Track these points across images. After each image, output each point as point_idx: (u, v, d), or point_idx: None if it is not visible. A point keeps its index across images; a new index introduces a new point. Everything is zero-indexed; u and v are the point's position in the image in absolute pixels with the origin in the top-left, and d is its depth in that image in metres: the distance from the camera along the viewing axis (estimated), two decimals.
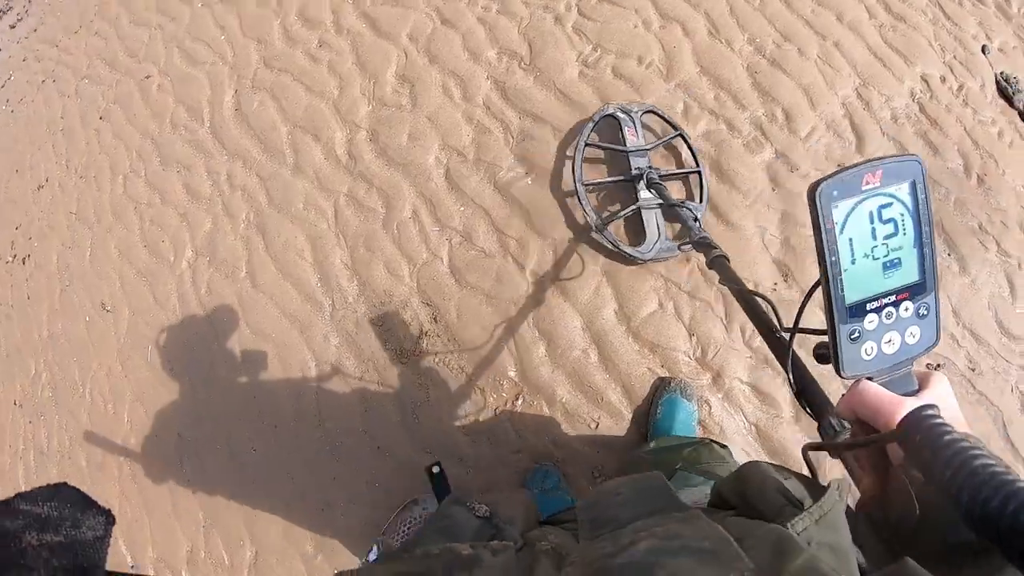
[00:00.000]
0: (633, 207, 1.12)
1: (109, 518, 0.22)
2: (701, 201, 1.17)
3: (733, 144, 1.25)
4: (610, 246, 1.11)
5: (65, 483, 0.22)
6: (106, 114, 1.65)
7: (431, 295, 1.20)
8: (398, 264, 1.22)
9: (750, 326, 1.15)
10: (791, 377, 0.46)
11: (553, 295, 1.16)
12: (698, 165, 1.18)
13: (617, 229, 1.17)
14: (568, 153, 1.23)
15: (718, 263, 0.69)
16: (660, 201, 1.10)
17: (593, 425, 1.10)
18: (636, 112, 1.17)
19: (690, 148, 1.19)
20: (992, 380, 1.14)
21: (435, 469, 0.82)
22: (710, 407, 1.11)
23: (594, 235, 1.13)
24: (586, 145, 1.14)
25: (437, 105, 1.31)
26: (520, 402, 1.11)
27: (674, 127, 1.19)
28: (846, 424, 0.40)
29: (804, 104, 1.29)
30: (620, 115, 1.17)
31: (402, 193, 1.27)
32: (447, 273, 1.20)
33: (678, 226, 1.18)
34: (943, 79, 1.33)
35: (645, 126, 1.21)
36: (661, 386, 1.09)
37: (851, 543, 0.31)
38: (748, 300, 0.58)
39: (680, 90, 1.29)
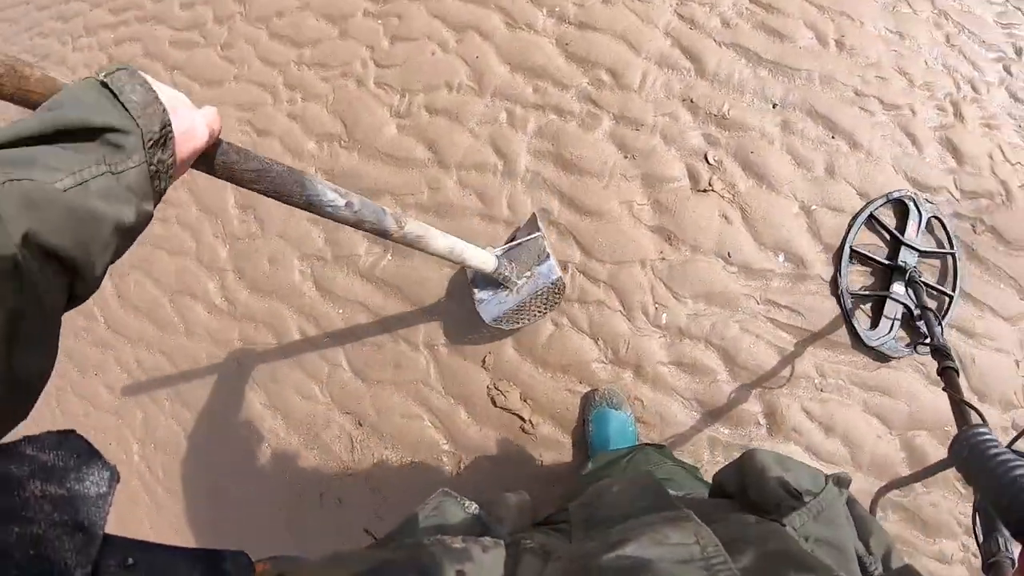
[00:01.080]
0: (883, 294, 1.08)
1: (114, 474, 0.22)
2: (943, 319, 1.10)
3: (568, 129, 1.18)
4: (844, 315, 1.08)
5: (73, 431, 0.22)
6: None
7: (347, 403, 1.19)
8: (308, 386, 1.22)
9: (651, 306, 1.10)
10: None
11: (452, 357, 1.14)
12: (954, 290, 1.11)
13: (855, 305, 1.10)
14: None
15: (948, 375, 0.69)
16: (910, 303, 1.07)
17: (538, 463, 1.08)
18: (926, 212, 1.11)
19: (955, 271, 1.11)
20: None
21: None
22: (642, 402, 1.07)
23: (842, 296, 1.09)
24: (870, 218, 1.10)
25: (282, 219, 1.29)
26: (463, 467, 1.10)
27: (951, 243, 1.12)
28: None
29: (626, 53, 1.21)
30: (911, 205, 1.11)
31: (284, 318, 1.26)
32: (352, 377, 1.19)
33: (901, 333, 1.10)
34: None
35: (928, 227, 1.13)
36: (586, 403, 1.06)
37: (851, 537, 0.30)
38: (966, 416, 0.55)
39: (497, 99, 1.23)
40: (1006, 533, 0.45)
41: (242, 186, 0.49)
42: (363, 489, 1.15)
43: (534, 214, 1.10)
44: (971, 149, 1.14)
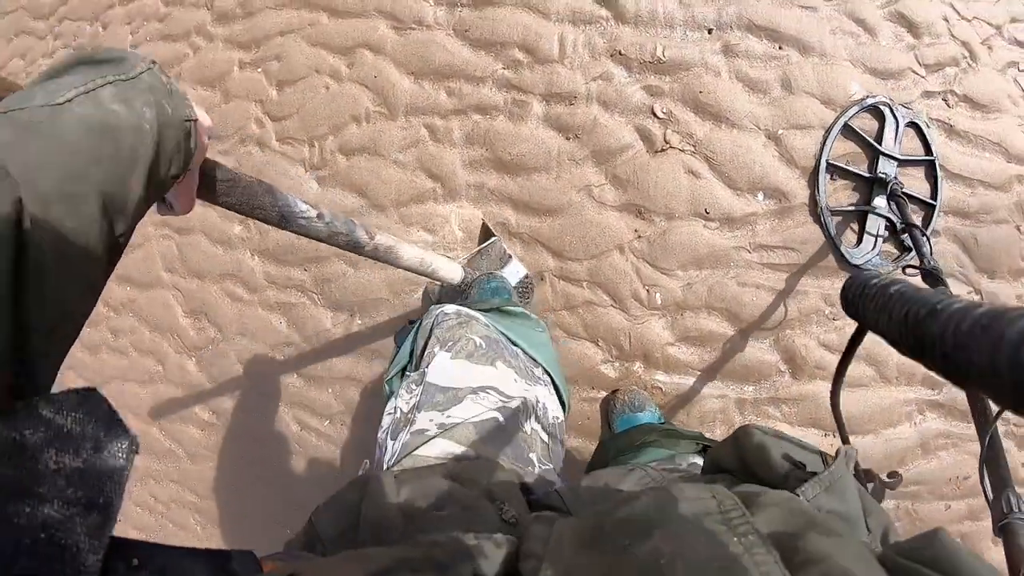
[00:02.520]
0: (864, 208, 1.00)
1: (132, 444, 0.20)
2: (928, 228, 1.02)
3: (497, 127, 1.05)
4: (826, 234, 1.01)
5: (95, 389, 0.20)
6: None
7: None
8: (316, 474, 1.16)
9: (642, 289, 1.01)
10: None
11: None
12: (935, 198, 1.02)
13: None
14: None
15: None
16: (893, 216, 1.00)
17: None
18: (902, 117, 1.01)
19: (935, 179, 1.02)
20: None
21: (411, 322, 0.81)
22: (661, 389, 1.01)
23: (822, 215, 1.02)
24: (846, 126, 1.00)
25: (235, 316, 1.18)
26: None
27: (929, 150, 1.02)
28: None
29: (534, 22, 1.05)
30: (887, 112, 1.01)
31: (277, 416, 1.18)
32: (360, 438, 1.13)
33: (888, 245, 1.03)
34: None
35: (903, 135, 1.03)
36: (608, 410, 1.00)
37: (860, 513, 0.29)
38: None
39: (412, 116, 1.08)
40: (1018, 492, 0.42)
41: (212, 202, 0.45)
42: None
43: (483, 223, 1.02)
44: (924, 16, 1.02)
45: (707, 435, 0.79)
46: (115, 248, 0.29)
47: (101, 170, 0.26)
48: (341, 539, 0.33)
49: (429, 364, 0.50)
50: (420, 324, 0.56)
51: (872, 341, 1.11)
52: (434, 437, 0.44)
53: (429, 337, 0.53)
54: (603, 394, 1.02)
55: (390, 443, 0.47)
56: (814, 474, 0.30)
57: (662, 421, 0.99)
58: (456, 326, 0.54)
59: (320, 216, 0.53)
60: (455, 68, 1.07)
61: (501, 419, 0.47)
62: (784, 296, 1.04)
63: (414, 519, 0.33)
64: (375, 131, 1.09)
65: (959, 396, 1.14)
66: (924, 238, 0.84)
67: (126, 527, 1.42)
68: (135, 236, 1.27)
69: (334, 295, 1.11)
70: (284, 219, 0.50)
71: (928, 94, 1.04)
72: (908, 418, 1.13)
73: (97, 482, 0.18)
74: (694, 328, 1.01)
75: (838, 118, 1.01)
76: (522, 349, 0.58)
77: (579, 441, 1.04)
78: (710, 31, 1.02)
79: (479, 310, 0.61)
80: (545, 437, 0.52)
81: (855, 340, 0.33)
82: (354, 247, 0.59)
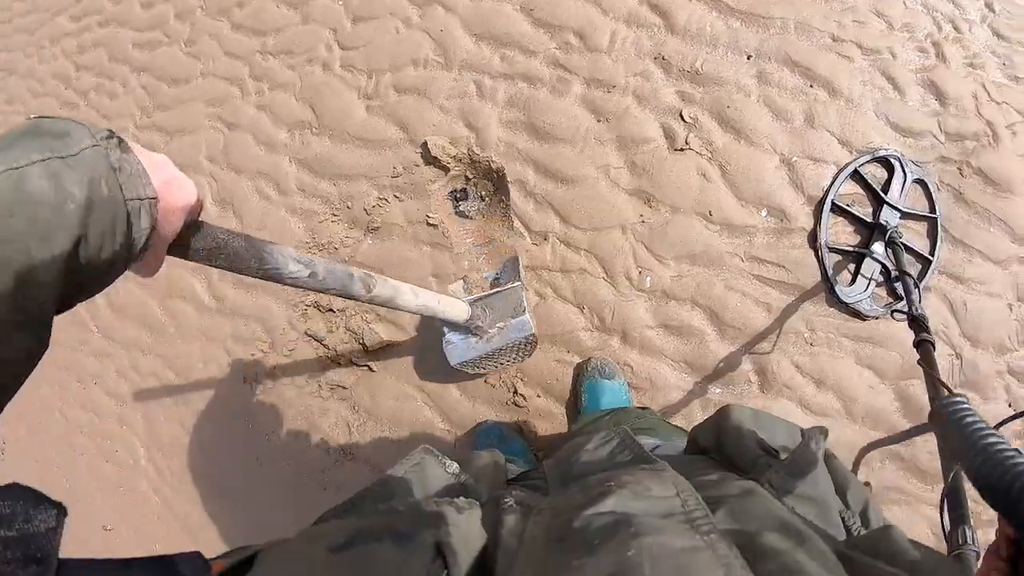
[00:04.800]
0: (862, 251, 1.02)
1: (61, 510, 0.22)
2: (921, 283, 1.05)
3: (539, 97, 1.11)
4: (822, 270, 1.04)
5: (16, 483, 0.22)
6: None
7: (340, 391, 1.15)
8: (300, 378, 1.18)
9: (635, 270, 1.04)
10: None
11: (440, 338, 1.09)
12: (933, 255, 1.05)
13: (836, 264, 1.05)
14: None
15: (924, 348, 0.67)
16: (889, 263, 1.02)
17: (531, 436, 1.04)
18: (911, 173, 1.05)
19: (935, 237, 1.05)
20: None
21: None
22: (632, 368, 1.03)
23: (821, 250, 1.04)
24: (855, 172, 1.04)
25: (260, 212, 1.23)
26: (458, 445, 1.06)
27: (933, 208, 1.06)
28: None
29: (593, 14, 1.13)
30: (897, 165, 1.05)
31: (273, 313, 1.21)
32: (345, 369, 1.15)
33: (880, 290, 1.06)
34: None
35: (912, 189, 1.07)
36: (579, 373, 1.02)
37: (833, 493, 0.29)
38: (938, 389, 0.55)
39: (465, 71, 1.15)
40: (973, 527, 0.44)
41: (194, 260, 0.44)
42: (363, 471, 1.12)
43: (515, 257, 1.03)
44: (955, 90, 1.07)
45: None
46: (29, 355, 0.27)
47: (11, 248, 0.24)
48: None
49: None
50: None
51: (844, 376, 1.09)
52: None
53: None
54: (576, 359, 1.03)
55: None
56: (783, 461, 0.30)
57: (628, 397, 1.00)
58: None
59: (313, 275, 0.51)
60: (513, 38, 1.14)
61: None
62: (767, 310, 1.05)
63: (380, 486, 0.33)
64: (429, 77, 1.16)
65: (922, 453, 1.12)
66: (916, 287, 0.85)
67: (99, 391, 1.44)
68: (186, 122, 1.35)
69: (354, 212, 1.16)
70: (271, 278, 0.48)
71: (944, 159, 1.08)
72: (867, 463, 1.11)
73: (32, 543, 0.20)
74: (676, 318, 1.03)
75: (851, 162, 1.05)
76: None
77: (545, 401, 1.05)
78: (749, 57, 1.09)
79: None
80: None
81: (914, 432, 0.35)
82: (350, 297, 0.57)
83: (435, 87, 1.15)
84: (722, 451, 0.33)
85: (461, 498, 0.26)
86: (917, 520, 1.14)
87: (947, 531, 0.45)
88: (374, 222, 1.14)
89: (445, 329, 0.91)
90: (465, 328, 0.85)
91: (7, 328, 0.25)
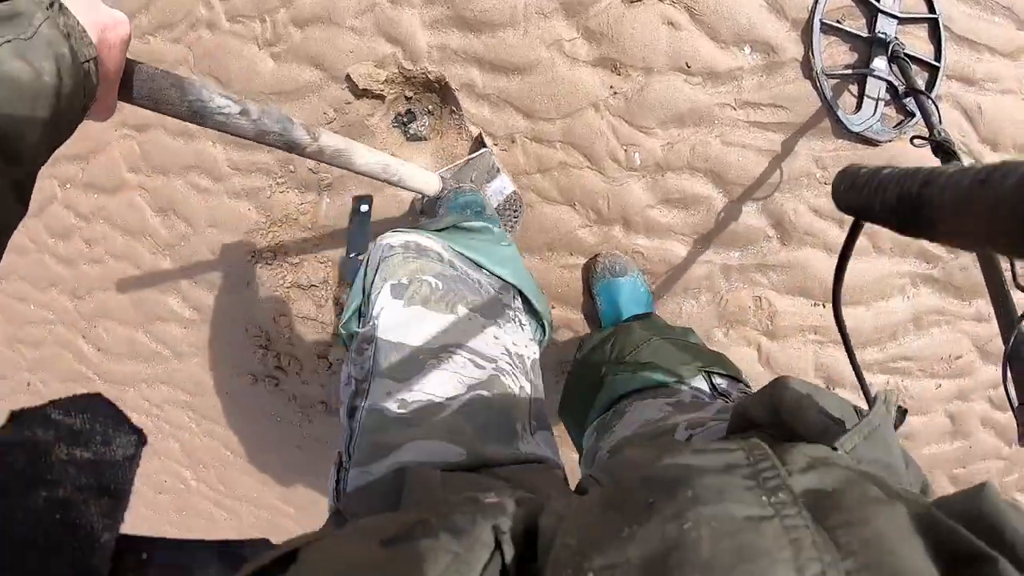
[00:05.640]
0: (862, 70, 0.90)
1: (141, 437, 0.22)
2: (931, 94, 0.90)
3: None
4: (823, 99, 0.91)
5: (100, 395, 0.22)
6: None
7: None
8: (308, 362, 1.12)
9: (620, 149, 0.92)
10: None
11: None
12: (939, 60, 0.91)
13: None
14: None
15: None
16: (894, 79, 0.89)
17: (554, 347, 0.98)
18: None
19: (939, 40, 0.90)
20: None
21: (363, 207, 0.75)
22: (642, 254, 0.94)
23: (818, 79, 0.91)
24: None
25: (204, 208, 1.11)
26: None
27: (932, 8, 0.90)
28: None
29: None
30: None
31: (258, 303, 1.12)
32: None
33: (888, 110, 0.92)
34: None
35: None
36: (589, 275, 0.93)
37: (902, 459, 0.27)
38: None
39: None
40: None
41: (137, 104, 0.42)
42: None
43: (479, 135, 0.92)
44: None
45: (695, 334, 0.72)
46: (17, 190, 0.30)
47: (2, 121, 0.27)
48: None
49: (379, 315, 0.41)
50: (368, 259, 0.47)
51: None
52: (403, 428, 0.36)
53: (375, 277, 0.44)
54: (582, 260, 0.94)
55: (348, 423, 0.39)
56: (851, 425, 0.26)
57: (645, 289, 0.92)
58: (403, 262, 0.44)
59: (244, 112, 0.45)
60: None
61: (486, 393, 0.39)
62: (772, 157, 0.94)
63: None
64: (331, 7, 0.97)
65: (955, 271, 1.05)
66: (932, 105, 0.73)
67: None
68: (96, 142, 1.17)
69: (299, 175, 1.03)
70: (198, 115, 0.44)
71: None
72: (901, 291, 1.05)
73: (108, 470, 0.19)
74: (676, 190, 0.92)
75: None
76: (486, 269, 0.49)
77: (560, 311, 0.98)
78: None
79: (432, 230, 0.51)
80: (528, 388, 0.44)
81: (852, 236, 0.31)
82: (293, 148, 0.51)
83: (338, 8, 0.97)
84: (781, 424, 0.29)
85: (522, 491, 0.24)
86: (959, 338, 1.10)
87: (1015, 405, 0.39)
88: (324, 179, 1.01)
89: (423, 219, 0.82)
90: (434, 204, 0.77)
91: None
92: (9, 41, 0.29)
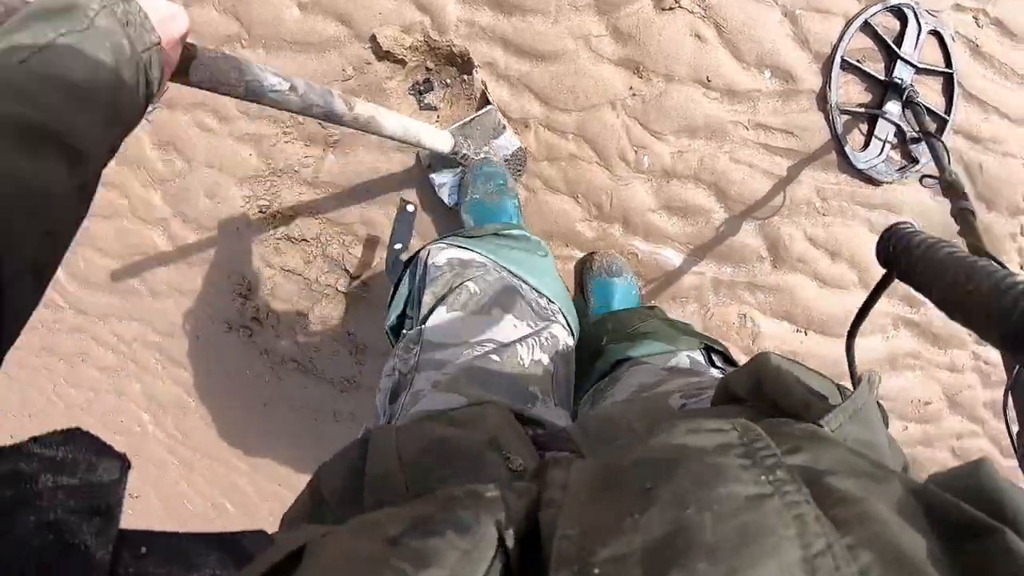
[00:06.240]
0: (875, 111, 0.91)
1: (124, 462, 0.22)
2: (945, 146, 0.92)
3: None
4: (833, 133, 0.93)
5: (79, 428, 0.22)
6: None
7: (332, 322, 1.06)
8: (288, 317, 1.09)
9: (630, 150, 0.92)
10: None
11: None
12: (949, 113, 0.93)
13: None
14: None
15: (964, 216, 0.59)
16: (903, 124, 0.91)
17: None
18: (926, 24, 0.91)
19: (951, 94, 0.92)
20: None
21: (409, 208, 0.83)
22: (637, 255, 0.94)
23: (831, 112, 0.93)
24: (865, 23, 0.90)
25: (205, 147, 1.08)
26: None
27: (949, 63, 0.92)
28: None
29: None
30: (910, 15, 0.90)
31: (242, 253, 1.09)
32: (333, 289, 1.05)
33: (892, 155, 0.94)
34: None
35: (924, 43, 0.93)
36: (583, 270, 0.92)
37: (886, 441, 0.27)
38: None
39: None
40: None
41: (193, 86, 0.44)
42: (368, 398, 1.07)
43: (483, 90, 0.92)
44: None
45: (698, 330, 0.73)
46: (82, 191, 0.29)
47: (59, 119, 0.27)
48: (346, 501, 0.31)
49: (426, 320, 0.47)
50: (415, 267, 0.52)
51: (858, 246, 1.01)
52: (427, 395, 0.42)
53: (424, 288, 0.50)
54: (577, 253, 0.94)
55: (388, 407, 0.45)
56: (835, 405, 0.27)
57: (637, 294, 0.91)
58: (449, 279, 0.50)
59: (293, 88, 0.50)
60: None
61: (496, 359, 0.44)
62: (776, 181, 0.95)
63: (418, 474, 0.31)
64: None
65: (935, 319, 1.07)
66: (944, 148, 0.74)
67: (88, 367, 1.37)
68: None
69: (307, 128, 1.01)
70: (254, 94, 0.48)
71: (958, 7, 0.93)
72: (881, 330, 1.06)
73: (96, 492, 0.19)
74: (679, 198, 0.93)
75: (861, 12, 0.90)
76: (528, 284, 0.54)
77: None
78: None
79: (474, 237, 0.55)
80: (549, 366, 0.48)
81: (882, 286, 0.31)
82: (332, 118, 0.56)
83: None
84: (763, 397, 0.29)
85: (521, 482, 0.24)
86: (931, 384, 1.12)
87: (1014, 432, 0.40)
88: (332, 135, 0.99)
89: (432, 175, 0.88)
90: (451, 164, 0.82)
91: (59, 186, 0.27)
92: (63, 35, 0.28)
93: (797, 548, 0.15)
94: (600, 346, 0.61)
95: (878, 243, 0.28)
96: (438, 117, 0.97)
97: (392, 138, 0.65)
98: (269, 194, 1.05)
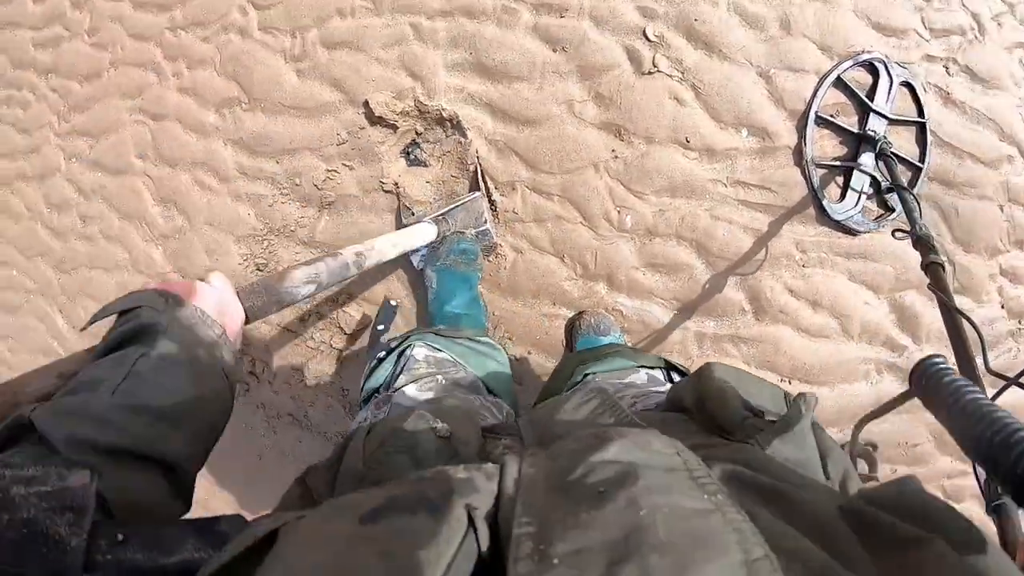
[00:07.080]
0: (849, 164, 0.94)
1: (93, 470, 0.23)
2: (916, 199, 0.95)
3: (485, 32, 0.96)
4: (810, 187, 0.95)
5: (51, 454, 0.24)
6: None
7: (324, 376, 1.07)
8: (284, 372, 1.09)
9: (613, 210, 0.94)
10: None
11: (418, 304, 1.00)
12: (923, 161, 0.96)
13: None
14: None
15: (933, 271, 0.60)
16: (878, 175, 0.94)
17: (531, 393, 0.98)
18: (897, 76, 0.94)
19: (924, 143, 0.96)
20: None
21: (392, 303, 0.93)
22: (622, 312, 0.95)
23: (807, 167, 0.96)
24: (838, 79, 0.94)
25: (204, 205, 1.10)
26: None
27: (921, 112, 0.96)
28: None
29: None
30: (882, 69, 0.94)
31: None
32: (327, 347, 1.06)
33: (868, 205, 0.97)
34: None
35: (896, 95, 0.97)
36: (572, 329, 0.94)
37: (818, 460, 0.28)
38: (955, 321, 0.52)
39: (398, 14, 1.00)
40: None
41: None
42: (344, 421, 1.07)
43: (478, 167, 0.95)
44: None
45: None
46: (176, 490, 0.33)
47: (148, 431, 0.31)
48: (330, 494, 0.33)
49: (399, 388, 0.54)
50: (396, 353, 0.60)
51: (838, 295, 1.02)
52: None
53: (402, 374, 0.57)
54: (564, 311, 0.95)
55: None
56: (771, 422, 0.29)
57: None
58: (423, 370, 0.57)
59: (319, 286, 0.58)
60: None
61: (455, 400, 0.50)
62: (757, 236, 0.97)
63: (373, 463, 0.33)
64: (359, 26, 1.00)
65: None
66: (915, 201, 0.77)
67: None
68: (109, 122, 1.18)
69: (304, 189, 1.03)
70: (298, 298, 0.55)
71: (929, 58, 0.96)
72: (865, 376, 1.07)
73: (66, 495, 0.20)
74: (662, 255, 0.95)
75: (833, 68, 0.93)
76: (487, 386, 0.61)
77: (537, 357, 0.98)
78: None
79: (450, 340, 0.62)
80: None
81: (901, 400, 0.34)
82: (347, 277, 0.65)
83: (368, 37, 1.00)
84: (704, 411, 0.31)
85: (489, 464, 0.24)
86: (918, 426, 1.12)
87: (983, 480, 0.42)
88: (327, 196, 1.02)
89: (428, 269, 0.93)
90: (433, 246, 0.89)
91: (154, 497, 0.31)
92: (144, 355, 0.32)
93: (739, 552, 0.16)
94: (573, 370, 0.64)
95: (911, 374, 0.31)
96: (430, 176, 1.00)
97: (395, 257, 0.75)
98: (266, 252, 1.07)
